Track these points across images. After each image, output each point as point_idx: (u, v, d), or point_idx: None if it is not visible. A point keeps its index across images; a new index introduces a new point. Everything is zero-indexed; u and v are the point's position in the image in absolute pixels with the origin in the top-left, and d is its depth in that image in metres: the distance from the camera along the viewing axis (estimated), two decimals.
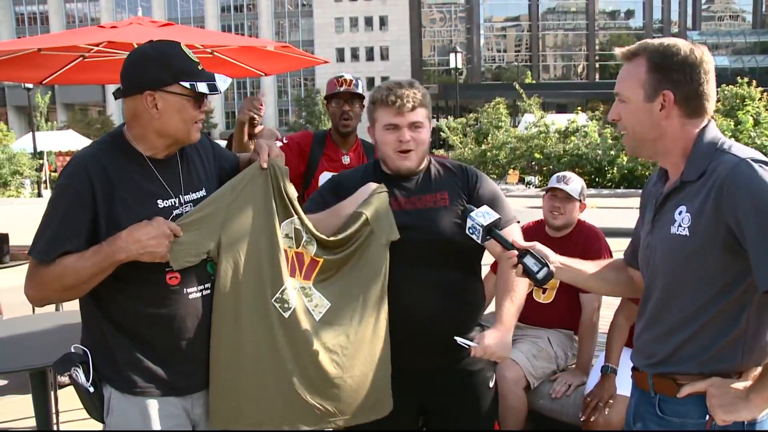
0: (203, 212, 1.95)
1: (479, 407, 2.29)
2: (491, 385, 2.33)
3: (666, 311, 1.75)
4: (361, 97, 3.56)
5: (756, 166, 1.60)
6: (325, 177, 3.42)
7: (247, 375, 1.99)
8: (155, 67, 1.88)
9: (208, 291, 1.99)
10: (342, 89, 3.49)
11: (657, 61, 1.73)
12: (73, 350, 1.95)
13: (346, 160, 3.56)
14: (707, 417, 1.67)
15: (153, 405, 1.93)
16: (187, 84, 1.87)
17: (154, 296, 1.91)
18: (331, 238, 2.10)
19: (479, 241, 1.97)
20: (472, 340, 2.06)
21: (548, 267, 1.90)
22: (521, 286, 2.19)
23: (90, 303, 1.93)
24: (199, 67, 1.92)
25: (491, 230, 1.96)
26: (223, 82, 1.93)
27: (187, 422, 2.00)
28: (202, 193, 2.04)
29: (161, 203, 1.94)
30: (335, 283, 2.12)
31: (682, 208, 1.71)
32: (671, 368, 1.73)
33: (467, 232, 1.99)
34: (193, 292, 1.96)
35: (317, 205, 2.28)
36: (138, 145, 1.95)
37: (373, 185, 2.22)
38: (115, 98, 2.03)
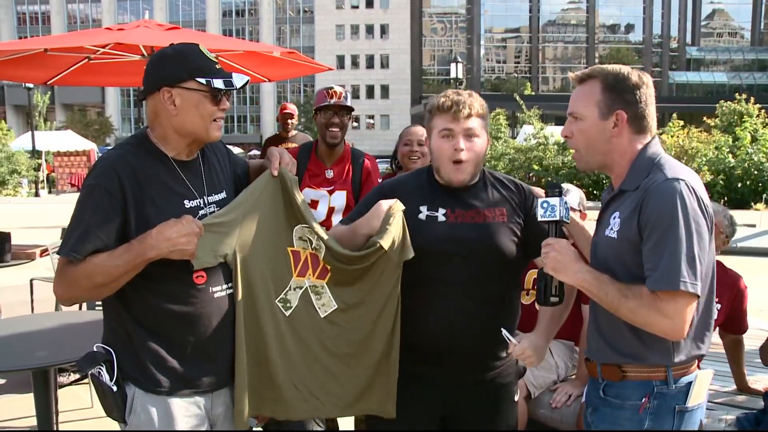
0: (221, 219, 1.99)
1: (504, 420, 2.29)
2: (516, 398, 2.34)
3: (600, 307, 1.90)
4: (350, 109, 3.60)
5: (678, 183, 1.78)
6: (306, 194, 3.42)
7: (264, 373, 2.07)
8: (172, 65, 1.92)
9: (232, 291, 2.02)
10: (332, 101, 3.53)
11: (611, 83, 1.92)
12: (95, 349, 1.96)
13: (329, 174, 3.58)
14: (643, 400, 1.86)
15: (176, 404, 1.95)
16: (202, 80, 1.91)
17: (181, 294, 1.93)
18: (341, 251, 2.12)
19: (539, 216, 1.95)
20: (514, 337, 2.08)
21: (561, 299, 1.95)
22: (565, 304, 2.16)
23: (115, 302, 1.94)
24: (217, 66, 1.96)
25: (560, 222, 1.94)
26: (239, 79, 1.96)
27: (206, 422, 2.02)
28: (223, 195, 2.08)
29: (188, 204, 1.97)
30: (348, 291, 2.16)
31: (616, 213, 1.90)
32: (616, 360, 1.92)
33: (540, 203, 1.95)
34: (218, 292, 1.99)
35: (358, 215, 2.25)
36: (162, 147, 1.98)
37: (385, 204, 2.16)
38: (139, 100, 2.05)
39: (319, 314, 2.14)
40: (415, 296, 2.17)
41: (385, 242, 2.07)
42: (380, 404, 2.21)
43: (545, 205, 1.93)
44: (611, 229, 1.90)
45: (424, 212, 2.21)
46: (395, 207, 2.15)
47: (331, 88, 3.59)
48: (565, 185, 3.33)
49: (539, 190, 2.27)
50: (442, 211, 2.21)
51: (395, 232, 2.10)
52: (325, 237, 2.12)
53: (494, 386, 2.25)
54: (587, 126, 1.94)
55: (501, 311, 2.21)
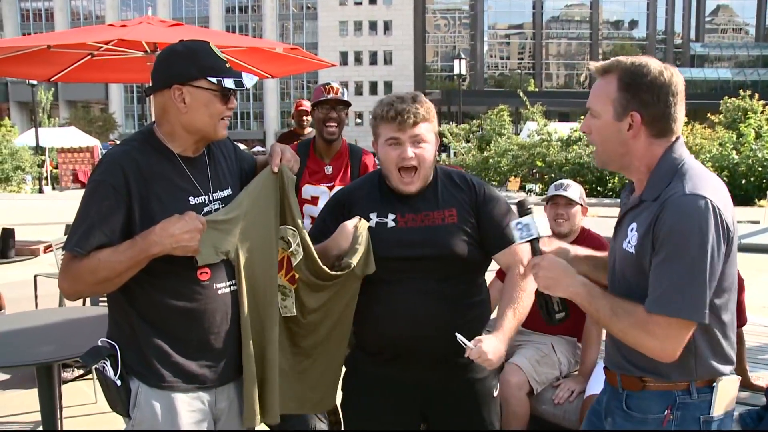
0: (224, 216, 2.00)
1: (483, 415, 2.27)
2: (495, 393, 2.31)
3: None
4: (347, 104, 3.65)
5: (697, 201, 1.64)
6: (306, 190, 3.52)
7: (268, 369, 2.08)
8: (183, 63, 1.93)
9: (235, 287, 2.03)
10: (329, 96, 3.58)
11: (627, 81, 1.76)
12: (100, 343, 1.97)
13: (328, 170, 3.62)
14: (666, 412, 1.77)
15: (180, 399, 1.96)
16: (213, 79, 1.92)
17: (185, 291, 1.95)
18: (318, 264, 2.12)
19: (517, 239, 1.91)
20: (470, 341, 2.05)
21: (567, 312, 1.89)
22: (526, 299, 2.16)
23: (119, 297, 1.96)
24: (227, 65, 1.97)
25: (539, 239, 1.90)
26: (249, 79, 1.98)
27: (210, 417, 2.03)
28: (228, 191, 2.09)
29: (192, 200, 1.98)
30: (311, 299, 2.17)
31: (634, 225, 1.78)
32: (636, 373, 1.82)
33: (514, 226, 1.91)
34: (222, 288, 2.00)
35: (322, 233, 2.25)
36: (169, 143, 1.99)
37: (350, 224, 2.16)
38: (146, 95, 2.05)
39: (280, 314, 2.15)
40: (374, 300, 2.18)
41: (354, 259, 2.11)
42: (318, 403, 2.31)
43: (519, 226, 1.89)
44: (629, 242, 1.78)
45: (374, 219, 2.21)
46: (361, 226, 2.17)
47: (328, 84, 3.65)
48: (565, 181, 3.37)
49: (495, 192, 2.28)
50: (391, 216, 2.21)
51: (363, 250, 2.13)
52: (309, 244, 2.12)
53: (469, 382, 2.23)
54: (602, 125, 1.82)
55: (462, 311, 2.18)
